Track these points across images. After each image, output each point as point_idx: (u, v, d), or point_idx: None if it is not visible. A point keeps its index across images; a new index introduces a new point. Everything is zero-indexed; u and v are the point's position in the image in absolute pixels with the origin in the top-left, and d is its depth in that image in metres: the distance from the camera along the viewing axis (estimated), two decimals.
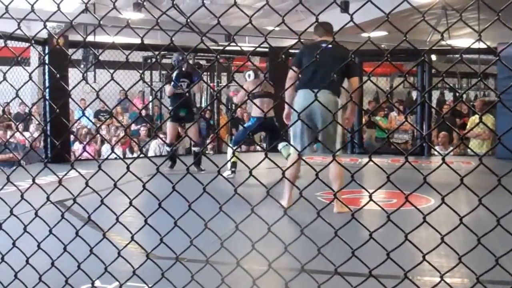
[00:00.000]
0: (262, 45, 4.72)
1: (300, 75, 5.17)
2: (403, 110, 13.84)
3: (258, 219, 1.88)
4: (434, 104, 16.17)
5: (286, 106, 5.34)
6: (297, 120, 2.05)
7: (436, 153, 10.51)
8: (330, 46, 4.68)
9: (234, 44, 2.03)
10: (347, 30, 2.84)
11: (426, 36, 16.07)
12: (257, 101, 7.54)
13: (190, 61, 10.04)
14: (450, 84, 15.70)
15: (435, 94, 17.63)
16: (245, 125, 8.07)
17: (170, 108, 8.40)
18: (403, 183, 1.86)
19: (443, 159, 1.69)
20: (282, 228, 1.89)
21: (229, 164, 7.53)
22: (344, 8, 11.15)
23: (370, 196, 1.76)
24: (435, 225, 1.78)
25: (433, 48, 11.00)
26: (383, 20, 1.74)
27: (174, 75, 8.28)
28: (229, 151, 8.03)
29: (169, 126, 8.44)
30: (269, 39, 1.93)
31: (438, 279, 1.82)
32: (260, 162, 1.96)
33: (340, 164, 2.12)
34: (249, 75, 8.04)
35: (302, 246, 1.94)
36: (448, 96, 18.24)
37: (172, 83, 8.05)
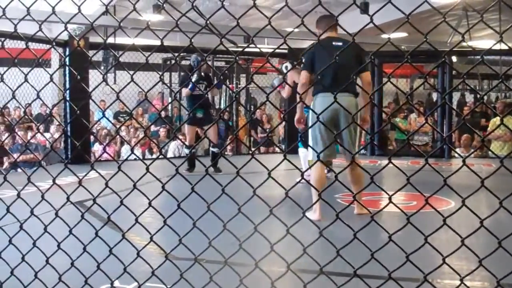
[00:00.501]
0: (281, 47, 4.69)
1: (316, 78, 4.89)
2: (424, 112, 13.75)
3: (277, 221, 1.88)
4: (454, 105, 16.04)
5: (298, 110, 5.11)
6: (315, 123, 2.04)
7: (456, 155, 10.42)
8: (340, 43, 4.64)
9: (253, 46, 2.03)
10: (366, 31, 2.84)
11: (446, 37, 15.94)
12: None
13: (209, 63, 9.93)
14: (471, 86, 15.56)
15: (456, 96, 17.49)
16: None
17: (187, 109, 8.33)
18: (423, 185, 1.84)
19: (463, 161, 1.68)
20: (301, 230, 1.89)
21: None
22: (364, 9, 11.11)
23: (390, 198, 1.75)
24: (455, 228, 1.76)
25: (453, 49, 10.91)
26: (403, 21, 1.73)
27: (194, 76, 8.14)
28: (303, 154, 7.25)
29: (187, 128, 8.39)
30: (288, 41, 1.93)
31: (458, 282, 1.80)
32: (279, 163, 1.96)
33: (360, 166, 2.11)
34: (286, 67, 7.72)
35: (321, 248, 1.94)
36: (469, 98, 18.08)
37: (190, 85, 7.96)
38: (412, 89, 14.66)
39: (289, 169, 3.01)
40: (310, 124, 4.97)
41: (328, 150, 4.72)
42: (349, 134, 4.86)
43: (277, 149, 12.20)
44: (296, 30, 5.19)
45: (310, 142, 4.96)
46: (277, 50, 9.30)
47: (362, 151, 11.11)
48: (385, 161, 1.77)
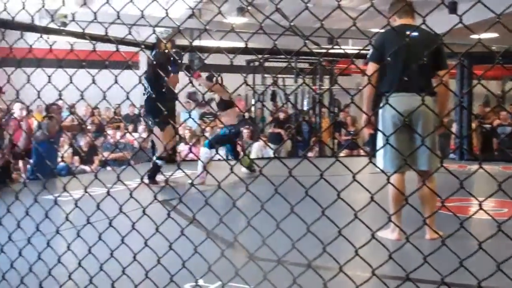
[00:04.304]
0: (366, 48, 4.55)
1: (384, 73, 4.18)
2: None
3: (362, 225, 1.84)
4: None
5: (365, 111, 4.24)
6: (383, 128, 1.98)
7: None
8: (416, 33, 3.95)
9: (338, 47, 2.01)
10: (455, 31, 2.70)
11: None
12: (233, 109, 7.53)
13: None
14: None
15: None
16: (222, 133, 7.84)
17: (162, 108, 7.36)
18: None
19: None
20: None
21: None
22: (453, 8, 10.79)
23: (480, 205, 1.69)
24: None
25: None
26: (494, 21, 1.66)
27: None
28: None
29: (167, 131, 6.96)
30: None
31: None
32: (364, 166, 1.92)
33: (448, 170, 2.04)
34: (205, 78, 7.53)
35: (407, 255, 1.89)
36: None
37: (173, 67, 6.98)
38: (504, 92, 14.12)
39: (374, 173, 2.93)
40: (381, 128, 4.26)
41: (401, 159, 3.87)
42: (428, 140, 4.02)
43: (362, 152, 12.06)
44: (382, 30, 4.96)
45: (380, 151, 4.35)
46: (362, 51, 9.19)
47: (451, 156, 10.80)
48: (475, 166, 1.70)
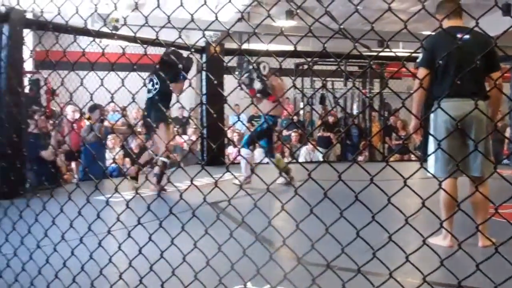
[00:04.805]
0: (417, 51, 4.45)
1: (436, 77, 4.10)
2: None
3: (412, 231, 1.81)
4: None
5: (414, 117, 4.18)
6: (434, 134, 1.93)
7: None
8: (467, 36, 3.87)
9: (388, 50, 1.98)
10: (508, 34, 2.60)
11: None
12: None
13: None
14: None
15: None
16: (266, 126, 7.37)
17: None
18: None
19: None
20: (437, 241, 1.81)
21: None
22: (507, 10, 10.53)
23: None
24: None
25: None
26: None
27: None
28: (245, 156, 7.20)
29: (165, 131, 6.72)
30: None
31: None
32: (415, 171, 1.89)
33: (505, 176, 1.98)
34: (264, 67, 7.04)
35: (459, 261, 1.85)
36: None
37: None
38: None
39: (425, 178, 2.90)
40: (432, 133, 4.20)
41: (453, 165, 3.91)
42: (481, 146, 3.98)
43: (412, 157, 11.88)
44: (434, 33, 4.81)
45: (431, 156, 4.22)
46: (414, 54, 9.05)
47: (505, 161, 10.54)
48: None
